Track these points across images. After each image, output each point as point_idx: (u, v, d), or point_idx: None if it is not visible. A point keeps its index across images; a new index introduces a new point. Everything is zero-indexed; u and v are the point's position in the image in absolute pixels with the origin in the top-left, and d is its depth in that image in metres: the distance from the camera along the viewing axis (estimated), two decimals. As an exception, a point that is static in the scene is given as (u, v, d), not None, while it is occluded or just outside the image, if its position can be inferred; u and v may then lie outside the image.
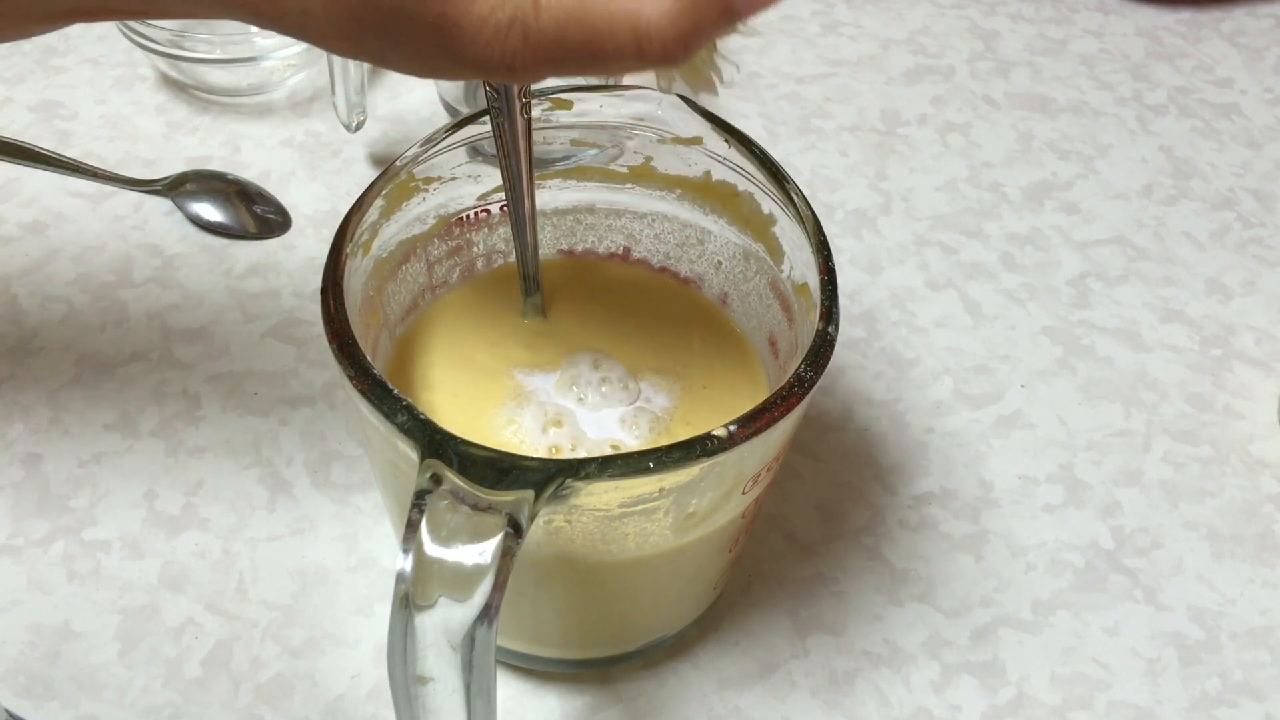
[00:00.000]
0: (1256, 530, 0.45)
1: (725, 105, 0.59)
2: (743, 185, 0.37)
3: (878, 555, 0.43)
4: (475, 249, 0.40)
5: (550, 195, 0.40)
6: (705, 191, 0.38)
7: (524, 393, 0.37)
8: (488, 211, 0.39)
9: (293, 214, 0.53)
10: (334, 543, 0.42)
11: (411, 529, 0.26)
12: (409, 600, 0.26)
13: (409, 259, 0.38)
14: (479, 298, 0.41)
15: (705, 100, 0.36)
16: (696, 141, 0.37)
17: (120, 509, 0.42)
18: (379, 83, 0.60)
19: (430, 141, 0.35)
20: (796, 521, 0.44)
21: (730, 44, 0.64)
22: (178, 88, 0.58)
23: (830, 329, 0.31)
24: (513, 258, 0.39)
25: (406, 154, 0.35)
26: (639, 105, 0.37)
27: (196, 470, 0.44)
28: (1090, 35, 0.67)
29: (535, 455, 0.33)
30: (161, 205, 0.53)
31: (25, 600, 0.40)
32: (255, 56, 0.55)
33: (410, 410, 0.28)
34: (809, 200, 0.34)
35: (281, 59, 0.56)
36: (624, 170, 0.39)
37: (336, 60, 0.50)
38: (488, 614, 0.26)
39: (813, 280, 0.33)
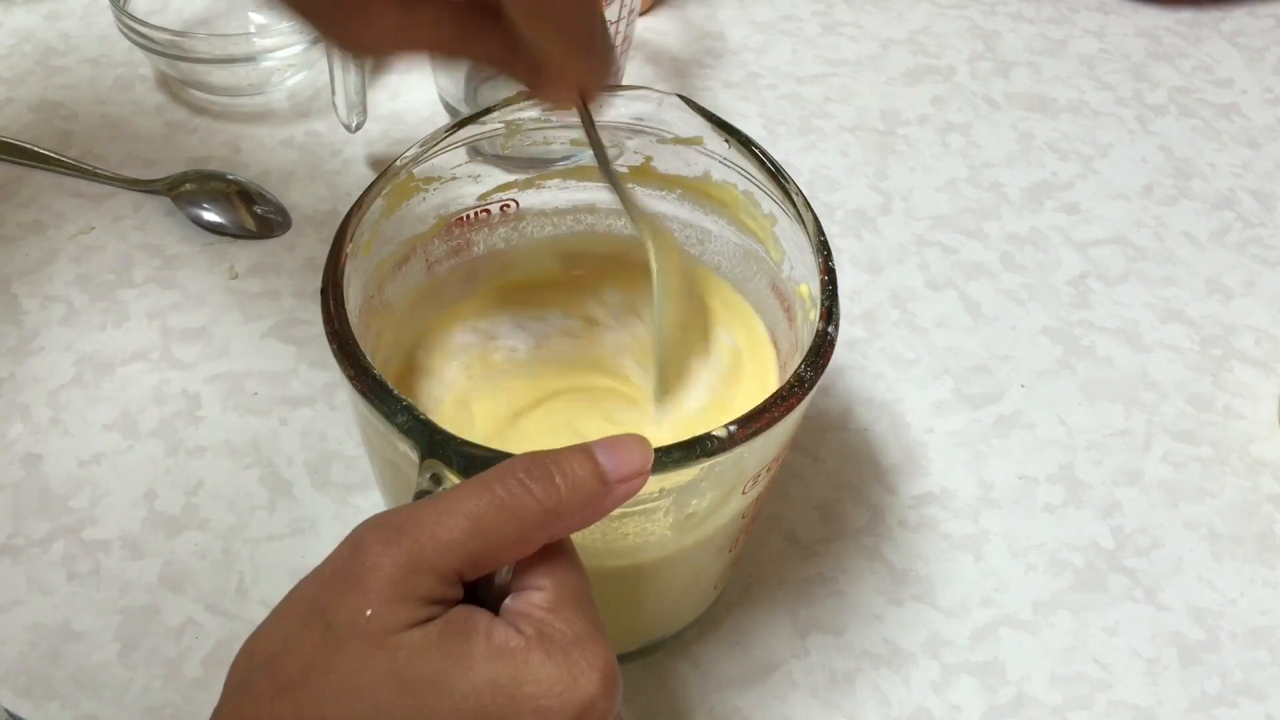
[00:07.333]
0: (1256, 530, 0.45)
1: (725, 105, 0.59)
2: (743, 185, 0.37)
3: (878, 555, 0.43)
4: (475, 249, 0.40)
5: (550, 195, 0.40)
6: (705, 191, 0.38)
7: (524, 392, 0.37)
8: (487, 211, 0.39)
9: (293, 214, 0.53)
10: (334, 543, 0.41)
11: (412, 529, 0.26)
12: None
13: (409, 259, 0.38)
14: (480, 298, 0.41)
15: (705, 100, 0.36)
16: (696, 141, 0.37)
17: (120, 509, 0.42)
18: (379, 83, 0.60)
19: (430, 141, 0.35)
20: (796, 521, 0.44)
21: (732, 42, 0.64)
22: (178, 88, 0.58)
23: (830, 329, 0.31)
24: (513, 261, 0.40)
25: (406, 154, 0.35)
26: (639, 105, 0.37)
27: (196, 470, 0.44)
28: (1090, 35, 0.67)
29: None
30: (161, 205, 0.53)
31: (25, 600, 0.40)
32: (255, 56, 0.55)
33: (410, 410, 0.28)
34: (809, 200, 0.34)
35: (281, 59, 0.56)
36: (624, 170, 0.39)
37: (336, 60, 0.49)
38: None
39: (813, 280, 0.33)
